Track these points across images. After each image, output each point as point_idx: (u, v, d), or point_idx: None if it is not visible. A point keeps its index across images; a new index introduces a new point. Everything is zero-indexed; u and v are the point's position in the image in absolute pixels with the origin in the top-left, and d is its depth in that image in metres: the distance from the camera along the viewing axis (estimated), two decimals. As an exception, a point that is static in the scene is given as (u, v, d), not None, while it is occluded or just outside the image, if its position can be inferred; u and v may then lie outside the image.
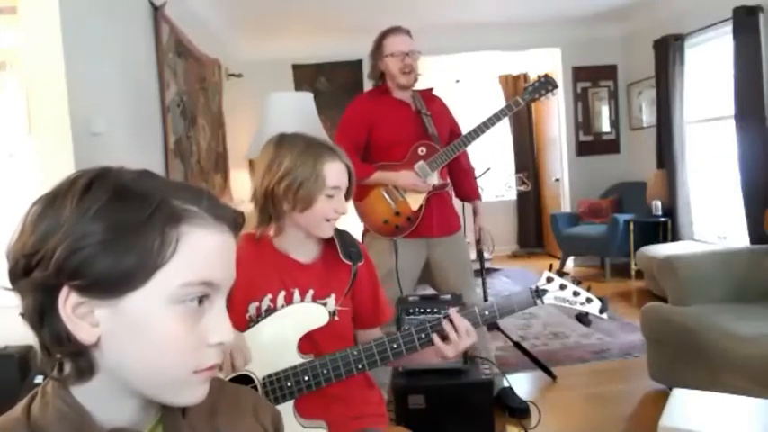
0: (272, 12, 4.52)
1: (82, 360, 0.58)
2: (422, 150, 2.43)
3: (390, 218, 2.42)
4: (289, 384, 1.24)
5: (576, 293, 1.29)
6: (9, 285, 0.57)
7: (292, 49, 5.38)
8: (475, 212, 2.76)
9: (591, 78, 5.89)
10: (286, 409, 1.22)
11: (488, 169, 4.74)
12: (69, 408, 0.58)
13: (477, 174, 2.96)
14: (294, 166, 1.29)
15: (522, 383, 2.95)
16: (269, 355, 1.25)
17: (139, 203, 0.56)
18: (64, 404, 0.58)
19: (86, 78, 2.18)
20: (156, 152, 2.98)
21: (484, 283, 3.37)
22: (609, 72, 5.89)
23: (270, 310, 1.31)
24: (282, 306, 1.32)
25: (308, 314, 1.28)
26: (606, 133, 5.97)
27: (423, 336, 1.26)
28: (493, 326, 3.11)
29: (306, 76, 5.52)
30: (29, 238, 0.56)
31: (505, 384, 2.66)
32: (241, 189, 4.41)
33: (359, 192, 2.36)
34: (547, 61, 6.02)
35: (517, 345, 3.19)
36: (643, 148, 5.50)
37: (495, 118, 2.45)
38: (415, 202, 2.42)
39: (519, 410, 2.58)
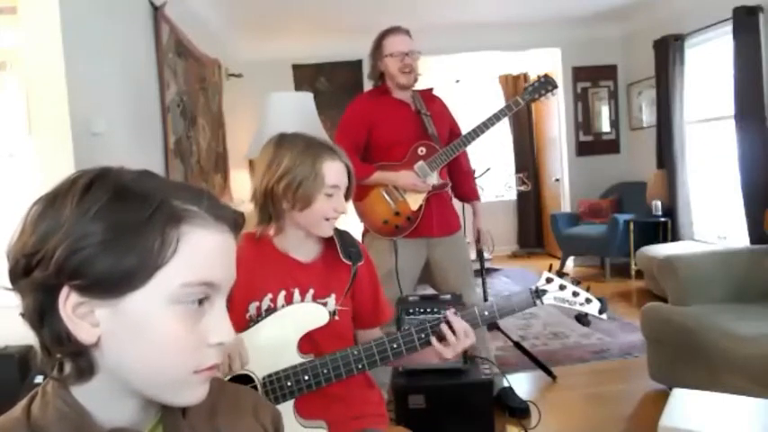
0: (272, 12, 4.52)
1: (82, 360, 0.58)
2: (422, 150, 2.43)
3: (390, 218, 2.42)
4: (289, 384, 1.24)
5: (575, 294, 1.29)
6: (9, 285, 0.58)
7: (292, 49, 5.38)
8: (474, 214, 2.76)
9: (591, 78, 5.89)
10: (286, 408, 1.22)
11: (488, 169, 4.74)
12: (69, 408, 0.58)
13: (477, 174, 2.97)
14: (293, 165, 1.29)
15: (522, 383, 2.95)
16: (269, 354, 1.25)
17: (140, 203, 0.56)
18: (64, 404, 0.59)
19: (86, 78, 2.18)
20: (156, 152, 2.98)
21: (484, 283, 3.37)
22: (609, 72, 5.89)
23: (270, 310, 1.31)
24: (283, 306, 1.32)
25: (308, 314, 1.28)
26: (606, 133, 5.97)
27: (422, 336, 1.26)
28: (493, 326, 3.11)
29: (306, 76, 5.52)
30: (29, 238, 0.56)
31: (505, 384, 2.66)
32: (241, 189, 4.41)
33: (359, 192, 2.36)
34: (547, 61, 6.02)
35: (517, 345, 3.19)
36: (643, 148, 5.50)
37: (495, 118, 2.45)
38: (414, 202, 2.42)
39: (519, 410, 2.58)
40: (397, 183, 2.40)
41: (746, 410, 1.67)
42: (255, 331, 1.27)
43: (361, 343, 1.28)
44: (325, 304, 1.32)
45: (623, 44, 5.79)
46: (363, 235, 2.54)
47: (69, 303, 0.55)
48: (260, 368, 1.24)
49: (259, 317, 1.30)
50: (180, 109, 3.30)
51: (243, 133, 4.62)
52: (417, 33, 2.54)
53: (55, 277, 0.54)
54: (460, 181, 2.67)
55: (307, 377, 1.24)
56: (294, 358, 1.25)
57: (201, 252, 0.58)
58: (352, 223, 2.06)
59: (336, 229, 1.39)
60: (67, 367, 0.60)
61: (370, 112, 2.48)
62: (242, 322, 1.29)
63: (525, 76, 6.88)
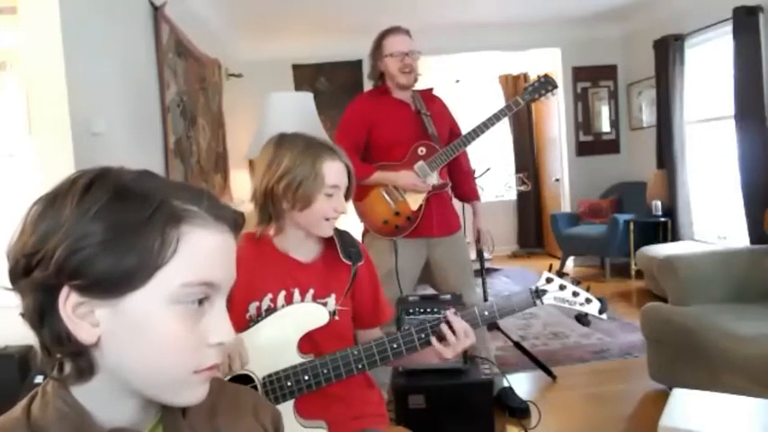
0: (272, 12, 4.52)
1: (82, 360, 0.58)
2: (421, 150, 2.43)
3: (390, 218, 2.42)
4: (289, 384, 1.24)
5: (575, 294, 1.29)
6: (9, 285, 0.58)
7: (292, 49, 5.38)
8: (474, 214, 2.76)
9: (591, 78, 5.89)
10: (286, 408, 1.22)
11: (488, 169, 4.74)
12: (69, 408, 0.58)
13: (477, 174, 2.97)
14: (293, 165, 1.29)
15: (522, 383, 2.95)
16: (269, 354, 1.25)
17: (140, 203, 0.56)
18: (64, 404, 0.59)
19: (86, 78, 2.18)
20: (156, 152, 2.98)
21: (484, 283, 3.37)
22: (609, 72, 5.89)
23: (270, 310, 1.31)
24: (283, 306, 1.32)
25: (308, 314, 1.28)
26: (606, 133, 5.97)
27: (422, 336, 1.26)
28: (493, 326, 3.11)
29: (306, 76, 5.52)
30: (29, 237, 0.56)
31: (505, 384, 2.66)
32: (241, 189, 4.41)
33: (359, 192, 2.36)
34: (547, 61, 6.02)
35: (517, 345, 3.19)
36: (643, 148, 5.50)
37: (495, 118, 2.45)
38: (414, 201, 2.42)
39: (519, 410, 2.58)
40: (397, 183, 2.40)
41: (746, 410, 1.67)
42: (255, 331, 1.27)
43: (361, 343, 1.28)
44: (325, 304, 1.32)
45: (623, 44, 5.79)
46: (363, 235, 2.54)
47: (69, 303, 0.55)
48: (260, 368, 1.24)
49: (259, 317, 1.30)
50: (180, 109, 3.30)
51: (243, 133, 4.62)
52: (417, 33, 2.54)
53: (55, 277, 0.54)
54: (460, 181, 2.67)
55: (307, 377, 1.24)
56: (294, 358, 1.25)
57: (201, 252, 0.58)
58: (352, 223, 2.06)
59: (336, 229, 1.39)
60: (67, 367, 0.60)
61: (370, 112, 2.48)
62: (242, 322, 1.29)
63: (525, 76, 6.88)
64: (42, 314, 0.56)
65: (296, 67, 5.52)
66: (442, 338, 1.25)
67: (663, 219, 4.89)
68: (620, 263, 5.27)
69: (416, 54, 2.45)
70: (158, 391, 0.60)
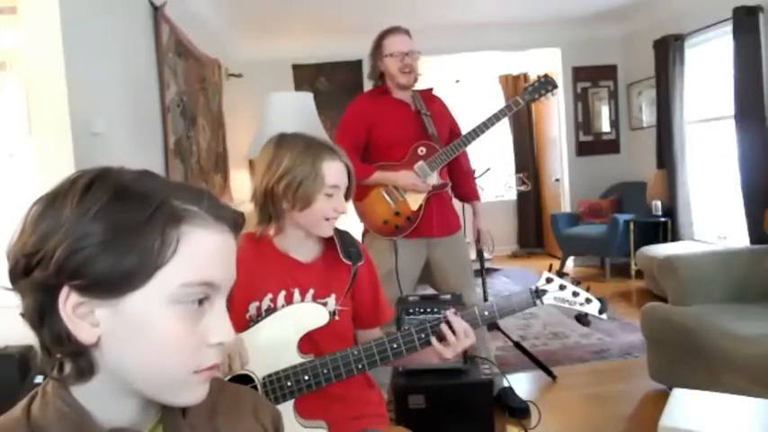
0: (272, 12, 4.52)
1: (82, 360, 0.58)
2: (421, 150, 2.43)
3: (390, 218, 2.42)
4: (289, 384, 1.24)
5: (575, 294, 1.29)
6: (9, 285, 0.58)
7: (292, 49, 5.38)
8: (474, 214, 2.76)
9: (591, 78, 5.89)
10: (286, 408, 1.22)
11: (488, 169, 4.74)
12: (69, 408, 0.58)
13: (477, 174, 2.96)
14: (293, 164, 1.29)
15: (522, 383, 2.95)
16: (269, 354, 1.25)
17: (140, 204, 0.56)
18: (64, 404, 0.58)
19: (86, 78, 2.18)
20: (156, 152, 2.98)
21: (484, 283, 3.37)
22: (609, 72, 5.89)
23: (270, 310, 1.31)
24: (283, 306, 1.32)
25: (308, 314, 1.28)
26: (606, 133, 5.97)
27: (422, 336, 1.26)
28: (493, 326, 3.11)
29: (306, 76, 5.52)
30: (29, 238, 0.56)
31: (505, 384, 2.66)
32: (241, 189, 4.41)
33: (358, 192, 2.36)
34: (547, 61, 6.02)
35: (517, 345, 3.19)
36: (643, 148, 5.50)
37: (495, 118, 2.45)
38: (414, 201, 2.42)
39: (519, 410, 2.58)
40: (396, 183, 2.40)
41: (746, 410, 1.67)
42: (255, 331, 1.27)
43: (361, 343, 1.28)
44: (325, 304, 1.32)
45: (623, 44, 5.79)
46: (363, 235, 2.54)
47: (69, 303, 0.55)
48: (260, 368, 1.24)
49: (259, 317, 1.30)
50: (180, 109, 3.30)
51: (243, 133, 4.62)
52: (417, 33, 2.54)
53: (55, 277, 0.54)
54: (460, 181, 2.67)
55: (307, 377, 1.24)
56: (294, 358, 1.25)
57: (201, 252, 0.58)
58: (352, 223, 2.06)
59: (336, 229, 1.39)
60: (67, 367, 0.60)
61: (370, 112, 2.48)
62: (242, 322, 1.29)
63: (525, 76, 6.88)
64: (42, 314, 0.56)
65: (296, 67, 5.52)
66: (441, 338, 1.25)
67: (663, 219, 4.89)
68: (620, 263, 5.27)
69: (416, 54, 2.45)
70: (158, 391, 0.60)
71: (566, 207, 6.01)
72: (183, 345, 0.58)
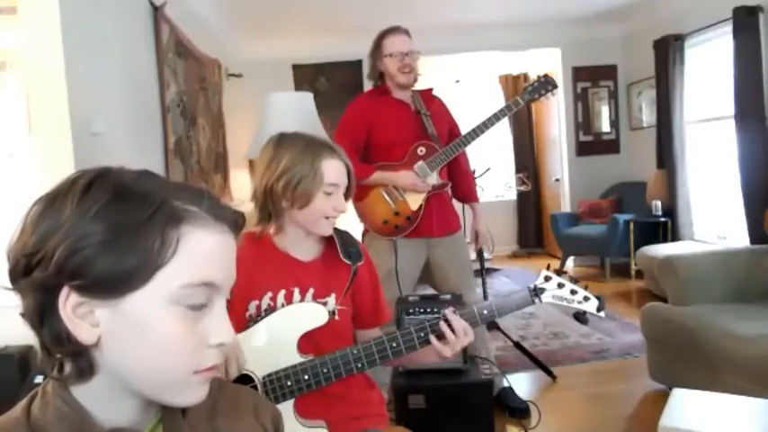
0: (272, 12, 4.52)
1: (82, 360, 0.58)
2: (421, 150, 2.43)
3: (390, 218, 2.42)
4: (289, 384, 1.24)
5: (573, 292, 1.29)
6: (9, 285, 0.58)
7: (292, 49, 5.38)
8: (473, 215, 2.76)
9: (591, 78, 5.89)
10: (286, 408, 1.22)
11: (488, 169, 4.75)
12: (69, 408, 0.58)
13: (477, 174, 2.96)
14: (293, 163, 1.30)
15: (522, 383, 2.95)
16: (269, 354, 1.25)
17: (140, 204, 0.56)
18: (64, 404, 0.59)
19: (86, 78, 2.18)
20: (156, 152, 2.98)
21: (484, 284, 3.36)
22: (609, 72, 5.89)
23: (270, 309, 1.31)
24: (283, 305, 1.32)
25: (308, 314, 1.28)
26: (606, 133, 5.97)
27: (422, 335, 1.26)
28: (493, 326, 3.11)
29: (306, 76, 5.52)
30: (29, 238, 0.56)
31: (505, 384, 2.66)
32: (241, 189, 4.41)
33: (358, 192, 2.36)
34: (547, 61, 6.02)
35: (517, 345, 3.19)
36: (643, 148, 5.50)
37: (495, 118, 2.45)
38: (414, 201, 2.42)
39: (519, 410, 2.58)
40: (396, 183, 2.40)
41: (746, 410, 1.67)
42: (255, 331, 1.27)
43: (361, 342, 1.28)
44: (324, 304, 1.33)
45: (623, 44, 5.79)
46: (363, 235, 2.54)
47: (69, 303, 0.55)
48: (260, 368, 1.24)
49: (259, 316, 1.31)
50: (180, 109, 3.30)
51: (243, 133, 4.62)
52: (417, 33, 2.54)
53: (55, 277, 0.54)
54: (460, 181, 2.67)
55: (306, 377, 1.24)
56: (294, 358, 1.25)
57: (201, 252, 0.58)
58: (352, 223, 2.06)
59: (336, 229, 1.39)
60: (67, 367, 0.60)
61: (370, 112, 2.48)
62: (242, 321, 1.29)
63: (525, 76, 6.88)
64: (42, 314, 0.56)
65: (296, 67, 5.52)
66: (441, 337, 1.25)
67: (663, 219, 4.89)
68: (620, 263, 5.27)
69: (416, 54, 2.46)
70: (158, 391, 0.60)
71: (566, 207, 6.01)
72: (182, 345, 0.58)
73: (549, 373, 3.02)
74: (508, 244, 7.09)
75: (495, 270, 6.00)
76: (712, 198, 4.79)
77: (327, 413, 1.28)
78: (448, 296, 1.97)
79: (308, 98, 3.26)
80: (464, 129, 2.59)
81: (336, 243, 1.38)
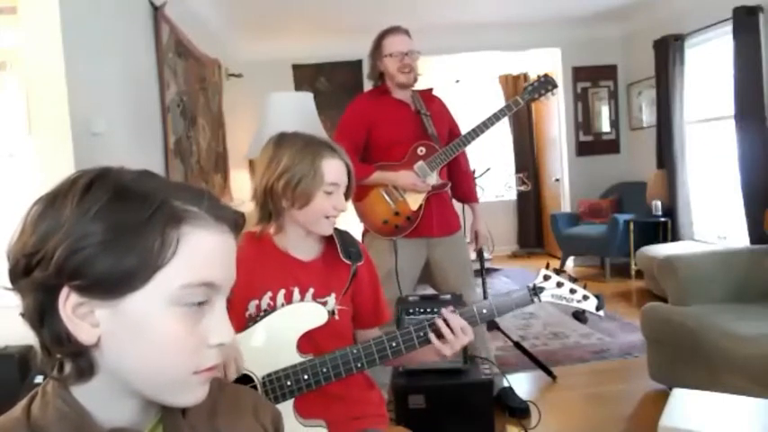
0: (272, 12, 4.52)
1: (82, 360, 0.58)
2: (421, 150, 2.43)
3: (390, 218, 2.42)
4: (288, 383, 1.24)
5: (572, 291, 1.29)
6: (9, 285, 0.58)
7: (292, 49, 5.38)
8: (473, 215, 2.76)
9: (591, 78, 5.89)
10: (286, 408, 1.22)
11: (488, 169, 4.74)
12: (69, 408, 0.58)
13: (477, 174, 2.96)
14: (293, 163, 1.30)
15: (522, 383, 2.95)
16: (268, 354, 1.25)
17: (140, 204, 0.56)
18: (64, 404, 0.59)
19: (86, 78, 2.18)
20: (156, 152, 2.98)
21: (484, 284, 3.36)
22: (609, 72, 5.89)
23: (269, 309, 1.31)
24: (282, 304, 1.32)
25: (307, 313, 1.28)
26: (606, 133, 5.97)
27: (421, 334, 1.26)
28: (493, 326, 3.11)
29: (306, 76, 5.52)
30: (29, 238, 0.56)
31: (505, 384, 2.66)
32: (241, 189, 4.41)
33: (358, 192, 2.36)
34: (547, 61, 6.02)
35: (517, 345, 3.19)
36: (643, 148, 5.50)
37: (495, 118, 2.45)
38: (414, 201, 2.42)
39: (519, 410, 2.58)
40: (396, 183, 2.40)
41: (746, 410, 1.67)
42: (255, 330, 1.27)
43: (361, 342, 1.28)
44: (324, 303, 1.33)
45: (623, 44, 5.79)
46: (363, 235, 2.54)
47: (69, 304, 0.55)
48: (259, 367, 1.24)
49: (258, 315, 1.31)
50: (180, 109, 3.30)
51: (243, 133, 4.62)
52: (417, 33, 2.54)
53: (55, 277, 0.54)
54: (460, 181, 2.67)
55: (306, 376, 1.24)
56: (293, 358, 1.25)
57: (201, 253, 0.58)
58: (352, 223, 2.06)
59: (337, 229, 1.40)
60: (67, 367, 0.60)
61: (370, 112, 2.48)
62: (242, 321, 1.29)
63: (525, 76, 6.88)
64: (42, 314, 0.56)
65: (296, 67, 5.52)
66: (440, 336, 1.25)
67: (663, 219, 4.89)
68: (620, 263, 5.27)
69: (416, 54, 2.46)
70: (158, 391, 0.60)
71: (566, 207, 6.01)
72: (182, 345, 0.58)
73: (549, 373, 3.02)
74: (508, 244, 7.09)
75: (495, 270, 6.00)
76: (712, 198, 4.79)
77: (327, 413, 1.28)
78: (448, 296, 1.97)
79: (308, 98, 3.26)
80: (464, 129, 2.59)
81: (336, 243, 1.38)
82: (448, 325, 1.24)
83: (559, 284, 1.29)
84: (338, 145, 1.38)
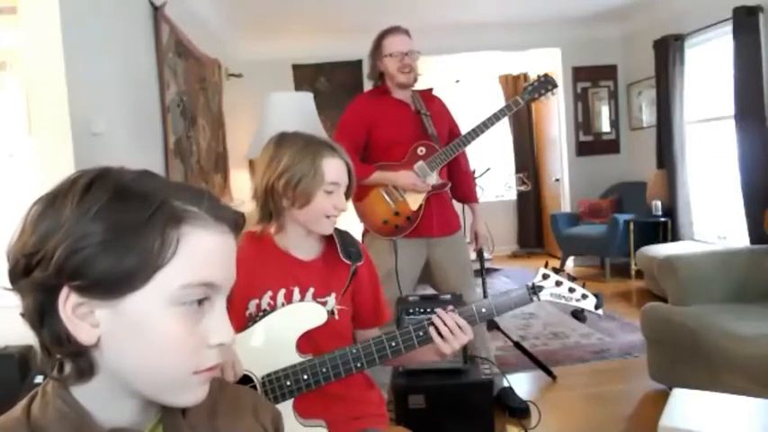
0: (272, 12, 4.52)
1: (82, 360, 0.58)
2: (421, 150, 2.43)
3: (390, 218, 2.42)
4: (288, 383, 1.24)
5: (571, 290, 1.29)
6: (9, 285, 0.57)
7: (292, 49, 5.38)
8: (473, 216, 2.76)
9: (591, 78, 5.89)
10: (285, 408, 1.22)
11: (488, 169, 4.74)
12: (69, 408, 0.58)
13: (477, 174, 2.96)
14: (293, 162, 1.30)
15: (522, 383, 2.95)
16: (268, 354, 1.25)
17: (140, 204, 0.56)
18: (64, 404, 0.59)
19: (86, 78, 2.18)
20: (156, 152, 2.98)
21: (484, 283, 3.36)
22: (609, 72, 5.89)
23: (269, 309, 1.31)
24: (282, 304, 1.32)
25: (307, 313, 1.28)
26: (606, 133, 5.97)
27: (421, 334, 1.26)
28: (493, 326, 3.12)
29: (306, 76, 5.52)
30: (29, 238, 0.56)
31: (505, 384, 2.66)
32: (241, 189, 4.41)
33: (358, 192, 2.36)
34: (547, 61, 6.02)
35: (517, 345, 3.19)
36: (643, 148, 5.50)
37: (495, 118, 2.45)
38: (414, 201, 2.42)
39: (519, 410, 2.58)
40: (396, 183, 2.40)
41: (746, 410, 1.67)
42: (254, 330, 1.27)
43: (360, 342, 1.28)
44: (324, 303, 1.33)
45: (623, 44, 5.79)
46: (363, 235, 2.54)
47: (69, 304, 0.55)
48: (259, 367, 1.24)
49: (258, 315, 1.31)
50: (180, 109, 3.30)
51: (243, 133, 4.62)
52: (417, 33, 2.54)
53: (55, 277, 0.54)
54: (460, 181, 2.67)
55: (306, 376, 1.24)
56: (293, 357, 1.25)
57: (201, 253, 0.58)
58: (352, 223, 2.06)
59: (337, 229, 1.40)
60: (67, 367, 0.60)
61: (370, 112, 2.48)
62: (242, 320, 1.29)
63: (525, 76, 6.88)
64: (42, 314, 0.56)
65: (296, 67, 5.52)
66: (439, 333, 1.25)
67: (663, 219, 4.89)
68: (620, 263, 5.27)
69: (416, 54, 2.46)
70: (158, 391, 0.60)
71: (566, 207, 6.01)
72: (182, 345, 0.58)
73: (549, 373, 3.02)
74: (508, 244, 7.09)
75: (495, 270, 6.00)
76: (712, 198, 4.79)
77: (327, 413, 1.28)
78: (448, 296, 1.97)
79: (308, 98, 3.26)
80: (464, 129, 2.59)
81: (336, 243, 1.38)
82: (445, 323, 1.24)
83: (558, 283, 1.29)
84: (338, 144, 1.38)
